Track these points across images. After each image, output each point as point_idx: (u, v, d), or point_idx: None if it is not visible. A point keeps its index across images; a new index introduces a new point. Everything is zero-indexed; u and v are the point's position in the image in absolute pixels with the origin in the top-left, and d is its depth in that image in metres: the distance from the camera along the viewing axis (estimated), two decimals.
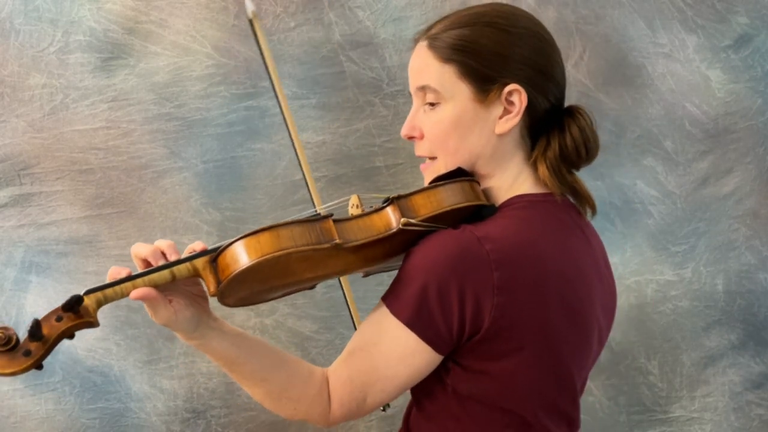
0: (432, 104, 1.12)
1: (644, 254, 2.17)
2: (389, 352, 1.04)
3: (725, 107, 2.15)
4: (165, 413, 2.14)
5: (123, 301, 2.21)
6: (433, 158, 1.15)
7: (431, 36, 1.12)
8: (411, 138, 1.16)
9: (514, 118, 1.09)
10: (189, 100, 2.11)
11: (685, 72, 2.14)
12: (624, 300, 2.18)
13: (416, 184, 2.13)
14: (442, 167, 1.13)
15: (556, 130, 1.11)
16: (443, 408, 1.09)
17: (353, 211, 1.14)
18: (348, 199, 1.18)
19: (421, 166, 1.18)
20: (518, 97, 1.08)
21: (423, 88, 1.12)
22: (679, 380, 2.19)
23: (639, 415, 2.18)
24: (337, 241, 1.00)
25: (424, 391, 1.10)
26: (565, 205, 1.13)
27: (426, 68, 1.11)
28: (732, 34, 2.14)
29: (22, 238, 2.12)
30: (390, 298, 1.05)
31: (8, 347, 0.95)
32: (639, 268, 2.17)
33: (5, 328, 0.96)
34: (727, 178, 2.16)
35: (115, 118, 2.11)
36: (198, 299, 1.06)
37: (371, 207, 1.12)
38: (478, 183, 1.12)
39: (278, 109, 2.13)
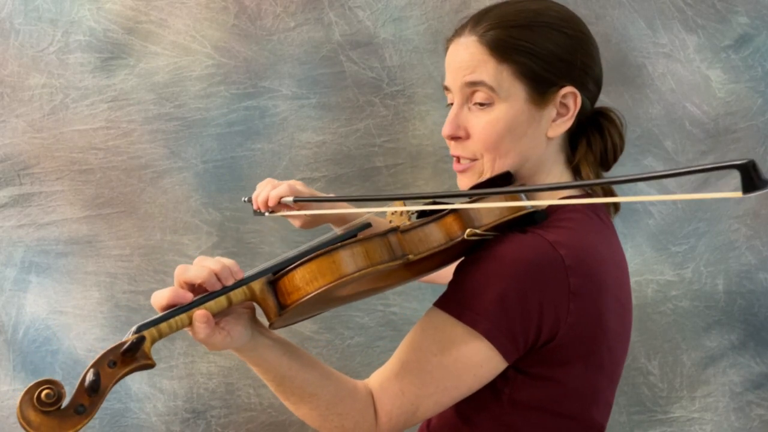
0: (481, 104, 1.06)
1: (644, 254, 2.17)
2: (454, 363, 0.98)
3: (725, 107, 2.15)
4: (165, 413, 2.14)
5: (123, 300, 2.22)
6: (474, 159, 1.09)
7: (482, 32, 1.06)
8: (455, 138, 1.09)
9: (568, 122, 1.08)
10: (189, 100, 2.11)
11: (686, 72, 2.14)
12: None
13: (416, 184, 2.13)
14: (486, 170, 1.08)
15: (596, 133, 1.11)
16: (493, 415, 1.05)
17: (394, 217, 1.08)
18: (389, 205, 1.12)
19: (457, 167, 1.12)
20: (573, 100, 1.07)
21: (474, 84, 1.06)
22: (680, 380, 2.18)
23: (639, 415, 2.18)
24: (410, 256, 0.95)
25: (471, 399, 1.04)
26: (601, 206, 1.13)
27: (481, 65, 1.05)
28: (732, 34, 2.14)
29: (22, 238, 2.12)
30: (458, 308, 0.99)
31: (57, 405, 0.80)
32: (639, 268, 2.17)
33: (52, 383, 0.79)
34: (727, 178, 2.16)
35: (115, 118, 2.11)
36: (243, 306, 0.97)
37: (414, 213, 1.08)
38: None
39: (278, 109, 2.13)
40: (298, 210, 1.20)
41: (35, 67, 2.09)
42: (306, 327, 2.13)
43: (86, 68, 2.10)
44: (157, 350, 2.12)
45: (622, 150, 1.13)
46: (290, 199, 1.16)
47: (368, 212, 1.07)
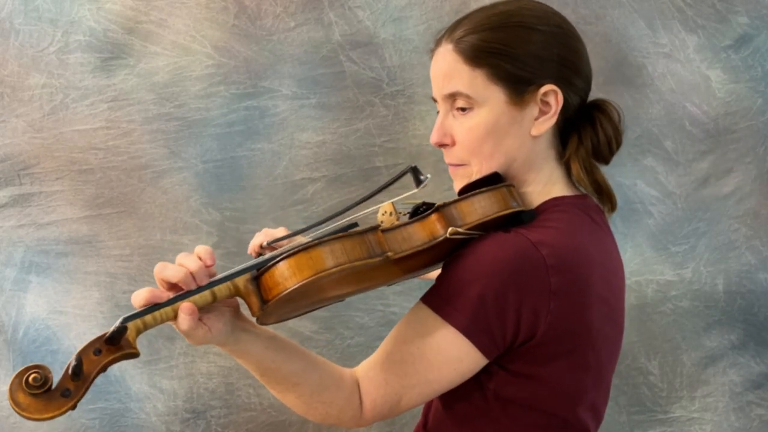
0: (463, 109, 1.08)
1: (644, 254, 2.17)
2: (435, 356, 1.00)
3: (725, 107, 2.15)
4: (165, 413, 2.14)
5: (123, 300, 2.21)
6: (462, 164, 1.12)
7: (457, 39, 1.08)
8: (442, 145, 1.12)
9: (551, 119, 1.08)
10: (189, 100, 2.11)
11: (686, 72, 2.14)
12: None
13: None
14: (475, 173, 1.10)
15: (588, 126, 1.10)
16: (480, 412, 1.07)
17: (384, 218, 1.09)
18: (378, 207, 1.12)
19: (450, 170, 1.14)
20: (554, 97, 1.07)
21: (453, 95, 1.08)
22: (680, 380, 2.18)
23: (639, 415, 2.18)
24: (389, 253, 0.96)
25: (458, 394, 1.07)
26: (594, 205, 1.13)
27: (455, 73, 1.07)
28: (732, 34, 2.14)
29: (22, 238, 2.12)
30: (439, 303, 1.01)
31: (45, 388, 0.85)
32: (639, 268, 2.17)
33: (39, 367, 0.86)
34: (727, 178, 2.16)
35: (115, 118, 2.11)
36: (226, 303, 1.00)
37: (406, 214, 1.09)
38: (515, 187, 1.09)
39: (278, 109, 2.13)
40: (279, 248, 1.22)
41: (35, 67, 2.09)
42: (306, 327, 2.13)
43: (86, 68, 2.10)
44: (158, 350, 2.12)
45: (618, 142, 1.11)
46: (266, 243, 1.18)
47: (359, 215, 1.08)
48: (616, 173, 2.13)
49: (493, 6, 1.11)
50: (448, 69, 1.08)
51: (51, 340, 2.12)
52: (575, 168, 1.09)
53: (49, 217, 2.12)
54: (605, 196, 1.13)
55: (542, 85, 1.06)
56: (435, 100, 1.14)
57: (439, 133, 1.11)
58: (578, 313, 1.02)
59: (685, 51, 2.14)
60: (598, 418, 1.14)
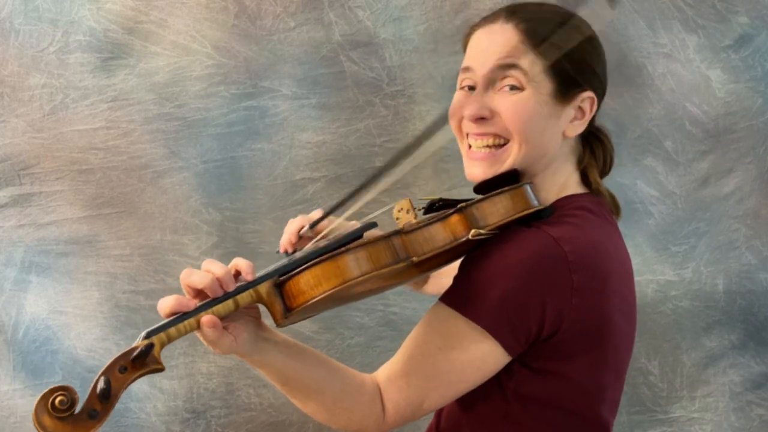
0: (513, 87, 1.07)
1: (644, 254, 2.17)
2: (458, 356, 1.00)
3: (725, 107, 2.15)
4: (165, 413, 2.14)
5: (123, 300, 2.21)
6: (500, 139, 1.09)
7: (518, 22, 1.08)
8: (479, 119, 1.08)
9: (583, 124, 1.12)
10: (189, 100, 2.11)
11: (686, 72, 2.14)
12: None
13: (416, 184, 2.13)
14: (512, 156, 1.08)
15: (599, 143, 1.17)
16: (499, 412, 1.06)
17: (401, 215, 1.09)
18: (394, 204, 1.11)
19: (475, 155, 1.11)
20: (590, 105, 1.11)
21: (510, 67, 1.06)
22: (680, 380, 2.18)
23: (639, 415, 2.18)
24: (414, 258, 0.96)
25: (476, 395, 1.06)
26: (606, 204, 1.16)
27: (517, 51, 1.07)
28: (732, 34, 2.14)
29: (22, 238, 2.12)
30: (461, 302, 1.01)
31: (71, 411, 0.82)
32: (639, 268, 2.17)
33: (65, 389, 0.82)
34: (727, 178, 2.16)
35: (115, 118, 2.11)
36: (249, 313, 0.99)
37: (421, 209, 1.10)
38: (533, 185, 1.10)
39: (278, 109, 2.13)
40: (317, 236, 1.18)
41: (35, 67, 2.09)
42: (306, 327, 2.13)
43: (86, 68, 2.10)
44: None
45: (610, 166, 1.20)
46: (306, 227, 1.14)
47: (376, 214, 1.08)
48: (616, 173, 2.11)
49: (545, 4, 1.13)
50: (508, 44, 1.07)
51: (51, 340, 2.12)
52: (592, 175, 1.14)
53: (49, 217, 2.12)
54: (612, 203, 1.18)
55: (585, 90, 1.10)
56: (466, 70, 1.11)
57: (477, 106, 1.08)
58: (599, 310, 1.03)
59: (685, 51, 2.14)
60: (616, 409, 1.15)
